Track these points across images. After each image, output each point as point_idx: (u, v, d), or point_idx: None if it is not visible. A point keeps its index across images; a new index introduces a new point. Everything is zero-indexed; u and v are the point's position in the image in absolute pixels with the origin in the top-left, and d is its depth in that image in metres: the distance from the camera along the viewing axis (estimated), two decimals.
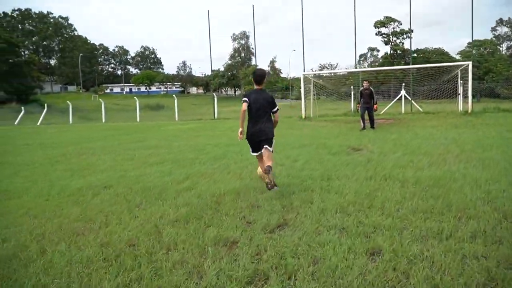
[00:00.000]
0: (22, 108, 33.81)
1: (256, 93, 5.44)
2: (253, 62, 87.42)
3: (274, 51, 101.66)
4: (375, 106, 13.86)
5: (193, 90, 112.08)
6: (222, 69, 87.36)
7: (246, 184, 5.87)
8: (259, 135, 5.36)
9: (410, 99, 23.14)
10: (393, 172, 6.25)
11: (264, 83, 5.52)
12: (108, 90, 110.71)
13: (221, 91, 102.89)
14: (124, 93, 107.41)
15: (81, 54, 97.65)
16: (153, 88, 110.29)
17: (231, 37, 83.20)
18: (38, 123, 31.18)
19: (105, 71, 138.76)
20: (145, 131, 17.84)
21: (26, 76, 62.41)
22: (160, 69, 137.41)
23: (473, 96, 19.43)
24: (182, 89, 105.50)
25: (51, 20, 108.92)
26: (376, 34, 71.96)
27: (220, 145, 10.82)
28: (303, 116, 20.89)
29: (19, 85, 60.72)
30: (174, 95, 30.53)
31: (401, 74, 29.69)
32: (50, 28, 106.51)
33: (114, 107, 53.79)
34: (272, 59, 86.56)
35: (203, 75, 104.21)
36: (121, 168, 7.88)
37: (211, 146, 10.70)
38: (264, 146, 5.35)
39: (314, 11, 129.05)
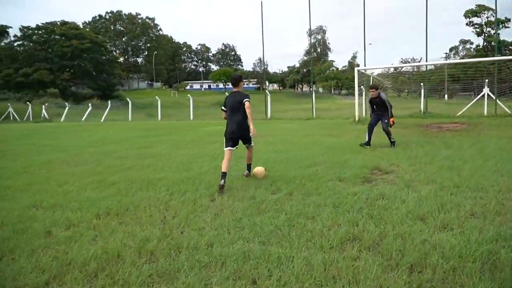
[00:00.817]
0: (107, 104, 34.75)
1: (230, 96, 6.21)
2: (329, 58, 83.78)
3: (354, 46, 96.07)
4: (391, 119, 10.04)
5: (271, 86, 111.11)
6: (297, 65, 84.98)
7: None
8: (235, 132, 6.06)
9: (494, 98, 18.79)
10: (400, 230, 3.70)
11: (239, 86, 6.24)
12: (188, 87, 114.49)
13: (297, 87, 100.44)
14: (202, 89, 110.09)
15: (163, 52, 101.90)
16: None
17: (307, 32, 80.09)
18: (102, 119, 31.85)
19: (188, 69, 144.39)
20: (174, 133, 16.42)
21: (110, 74, 65.99)
22: (239, 66, 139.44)
23: None
24: (258, 86, 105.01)
25: (139, 21, 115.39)
26: (467, 25, 63.83)
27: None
28: (356, 118, 17.88)
29: (102, 82, 64.48)
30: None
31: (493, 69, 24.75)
32: (138, 29, 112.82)
33: (187, 103, 54.07)
34: (353, 54, 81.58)
35: (280, 72, 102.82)
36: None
37: (207, 160, 8.65)
38: (246, 145, 6.41)
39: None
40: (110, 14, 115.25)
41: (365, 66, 23.17)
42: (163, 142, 12.60)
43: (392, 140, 10.06)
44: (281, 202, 5.00)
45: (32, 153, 10.99)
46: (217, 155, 8.95)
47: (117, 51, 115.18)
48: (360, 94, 19.98)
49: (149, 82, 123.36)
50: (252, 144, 6.46)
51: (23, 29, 63.68)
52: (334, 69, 76.18)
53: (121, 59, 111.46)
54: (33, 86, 56.18)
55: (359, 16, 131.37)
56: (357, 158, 8.05)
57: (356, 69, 18.71)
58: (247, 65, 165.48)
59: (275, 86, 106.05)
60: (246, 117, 5.97)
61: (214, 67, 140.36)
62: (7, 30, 66.03)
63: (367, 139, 10.10)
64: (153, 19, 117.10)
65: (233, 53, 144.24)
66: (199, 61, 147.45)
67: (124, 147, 11.78)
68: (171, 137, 14.23)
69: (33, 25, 63.04)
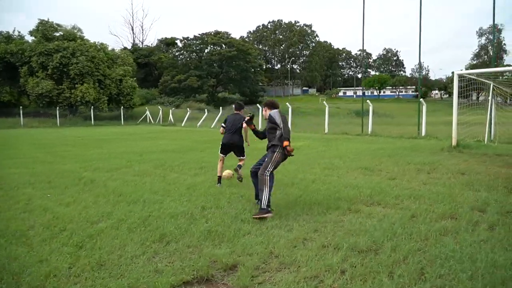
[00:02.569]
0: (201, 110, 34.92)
1: (232, 115, 7.22)
2: (506, 62, 68.67)
3: None
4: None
5: (433, 95, 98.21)
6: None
7: None
8: (228, 144, 7.08)
9: None
10: None
11: (241, 111, 7.25)
12: (341, 94, 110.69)
13: (467, 96, 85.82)
14: (355, 96, 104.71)
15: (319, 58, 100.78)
16: (387, 92, 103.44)
17: (477, 32, 67.34)
18: (212, 126, 31.71)
19: (345, 75, 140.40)
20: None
21: (254, 81, 67.82)
22: (401, 72, 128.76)
23: None
24: (417, 93, 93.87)
25: (297, 28, 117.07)
26: None
27: None
28: (453, 143, 12.19)
29: (245, 88, 66.71)
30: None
31: None
32: (295, 36, 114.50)
33: (335, 111, 50.12)
34: None
35: (445, 77, 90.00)
36: None
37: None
38: (239, 157, 7.23)
39: None
40: (271, 23, 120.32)
41: None
42: (184, 161, 10.33)
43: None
44: None
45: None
46: None
47: (275, 58, 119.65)
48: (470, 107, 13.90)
49: (304, 89, 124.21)
50: (245, 157, 7.25)
51: (183, 40, 70.75)
52: None
53: (268, 66, 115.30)
54: (185, 92, 61.46)
55: None
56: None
57: (455, 72, 12.86)
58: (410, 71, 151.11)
59: (437, 93, 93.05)
60: (239, 134, 7.08)
61: (374, 73, 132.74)
62: (175, 41, 74.63)
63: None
64: (310, 26, 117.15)
65: (395, 58, 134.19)
66: (358, 67, 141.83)
67: (115, 166, 9.95)
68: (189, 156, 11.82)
69: (192, 36, 69.42)
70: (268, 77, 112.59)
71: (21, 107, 36.93)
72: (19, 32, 60.75)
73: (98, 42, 43.51)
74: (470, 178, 7.35)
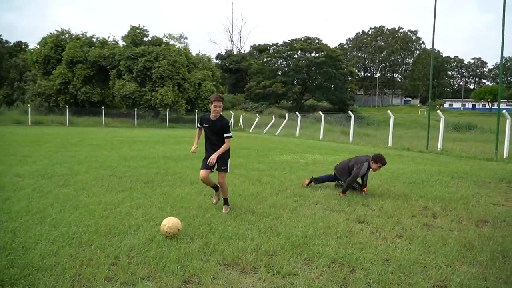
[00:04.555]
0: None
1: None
2: None
3: None
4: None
5: None
6: None
7: None
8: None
9: None
10: None
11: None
12: (447, 105, 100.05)
13: None
14: (462, 109, 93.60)
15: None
16: (503, 105, 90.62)
17: None
18: (277, 133, 30.01)
19: (456, 86, 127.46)
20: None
21: (342, 88, 64.40)
22: None
23: None
24: None
25: (400, 34, 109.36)
26: None
27: None
28: (505, 154, 8.61)
29: (333, 96, 63.58)
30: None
31: None
32: (398, 43, 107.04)
33: (432, 124, 44.55)
34: None
35: None
36: None
37: None
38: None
39: None
40: (372, 30, 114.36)
41: None
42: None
43: None
44: None
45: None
46: None
47: (374, 66, 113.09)
48: None
49: (406, 99, 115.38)
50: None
51: (272, 45, 70.26)
52: None
53: (367, 74, 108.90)
54: (269, 98, 60.60)
55: None
56: None
57: None
58: None
59: None
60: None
61: (489, 84, 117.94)
62: (268, 48, 74.55)
63: None
64: (415, 32, 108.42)
65: None
66: (471, 77, 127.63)
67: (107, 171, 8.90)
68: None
69: (281, 42, 68.53)
70: (366, 86, 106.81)
71: (103, 107, 39.36)
72: (114, 37, 66.45)
73: (181, 46, 44.70)
74: (488, 232, 4.47)
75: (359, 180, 6.56)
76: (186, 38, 68.89)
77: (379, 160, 6.28)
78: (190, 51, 45.61)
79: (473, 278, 3.23)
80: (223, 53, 75.33)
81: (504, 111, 14.52)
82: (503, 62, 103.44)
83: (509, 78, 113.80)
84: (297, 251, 3.72)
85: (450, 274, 3.28)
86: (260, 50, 75.35)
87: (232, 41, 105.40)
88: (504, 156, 13.29)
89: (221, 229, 4.32)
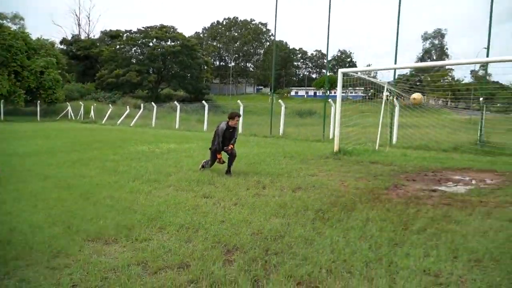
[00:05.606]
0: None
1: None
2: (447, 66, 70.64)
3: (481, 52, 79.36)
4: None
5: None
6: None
7: None
8: None
9: None
10: None
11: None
12: (293, 93, 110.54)
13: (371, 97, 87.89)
14: (305, 96, 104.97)
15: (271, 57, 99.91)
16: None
17: (422, 36, 68.73)
18: (132, 124, 29.41)
19: (301, 75, 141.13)
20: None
21: (197, 77, 65.61)
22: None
23: None
24: (364, 94, 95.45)
25: (252, 26, 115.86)
26: None
27: None
28: (335, 149, 11.03)
29: (188, 85, 64.43)
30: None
31: None
32: (251, 34, 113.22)
33: (279, 110, 48.99)
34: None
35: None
36: None
37: None
38: None
39: None
40: (227, 20, 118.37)
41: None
42: None
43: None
44: None
45: None
46: None
47: (229, 55, 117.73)
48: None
49: (258, 88, 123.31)
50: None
51: (125, 32, 67.40)
52: (450, 78, 63.50)
53: (222, 63, 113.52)
54: (123, 87, 58.26)
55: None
56: None
57: (340, 71, 11.87)
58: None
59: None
60: None
61: (328, 74, 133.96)
62: (120, 34, 70.82)
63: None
64: (265, 25, 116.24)
65: (349, 59, 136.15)
66: (314, 67, 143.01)
67: None
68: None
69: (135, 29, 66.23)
70: (221, 75, 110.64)
71: None
72: None
73: (17, 28, 39.81)
74: (299, 195, 5.99)
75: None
76: (22, 19, 60.99)
77: (232, 115, 7.72)
78: (30, 35, 40.88)
79: (281, 225, 4.55)
80: (69, 38, 69.19)
81: (330, 99, 17.54)
82: (338, 53, 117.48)
83: (336, 69, 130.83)
84: (151, 223, 4.55)
85: (265, 224, 4.54)
86: (112, 36, 71.40)
87: (79, 25, 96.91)
88: (330, 137, 16.19)
89: (82, 214, 4.85)
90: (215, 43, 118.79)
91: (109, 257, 3.59)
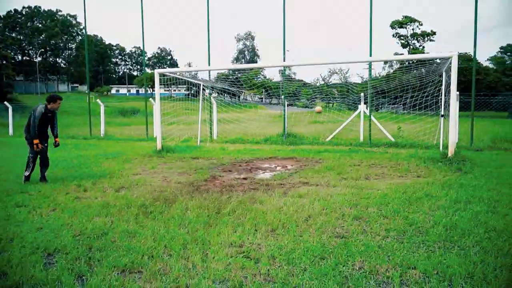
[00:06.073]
0: None
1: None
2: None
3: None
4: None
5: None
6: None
7: None
8: None
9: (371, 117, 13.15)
10: None
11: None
12: (113, 91, 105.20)
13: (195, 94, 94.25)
14: (127, 94, 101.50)
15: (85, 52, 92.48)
16: (162, 91, 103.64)
17: (235, 37, 74.33)
18: None
19: (120, 72, 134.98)
20: None
21: None
22: None
23: None
24: (188, 92, 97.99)
25: (60, 18, 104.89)
26: (393, 36, 60.42)
27: None
28: (158, 146, 11.44)
29: None
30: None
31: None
32: (58, 26, 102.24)
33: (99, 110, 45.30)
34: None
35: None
36: None
37: None
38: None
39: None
40: (27, 10, 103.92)
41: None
42: None
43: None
44: None
45: None
46: None
47: (33, 49, 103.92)
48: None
49: (74, 85, 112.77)
50: None
51: None
52: (262, 77, 70.91)
53: (26, 58, 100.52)
54: None
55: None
56: None
57: (156, 71, 12.48)
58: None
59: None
60: None
61: (150, 71, 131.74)
62: None
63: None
64: (74, 17, 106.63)
65: (169, 57, 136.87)
66: (134, 64, 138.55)
67: None
68: None
69: None
70: (25, 71, 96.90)
71: None
72: None
73: None
74: (122, 194, 6.17)
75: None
76: None
77: (54, 98, 7.18)
78: None
79: (104, 223, 4.72)
80: None
81: (151, 98, 17.71)
82: (158, 51, 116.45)
83: (166, 66, 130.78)
84: None
85: (88, 225, 4.64)
86: None
87: None
88: (154, 136, 16.40)
89: None
90: (14, 35, 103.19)
91: None
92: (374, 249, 3.81)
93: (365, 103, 13.37)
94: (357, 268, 3.42)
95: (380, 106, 28.95)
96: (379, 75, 47.82)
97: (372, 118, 13.34)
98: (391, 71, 54.38)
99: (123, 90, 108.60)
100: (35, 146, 7.04)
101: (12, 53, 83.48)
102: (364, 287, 3.09)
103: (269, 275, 3.31)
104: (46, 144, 7.29)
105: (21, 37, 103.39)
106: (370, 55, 13.33)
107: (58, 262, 3.59)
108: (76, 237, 4.28)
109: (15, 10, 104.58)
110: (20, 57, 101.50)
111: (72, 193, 6.34)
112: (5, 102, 21.81)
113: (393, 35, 59.75)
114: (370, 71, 15.03)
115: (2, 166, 9.10)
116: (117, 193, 6.33)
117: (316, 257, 3.66)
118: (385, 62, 55.87)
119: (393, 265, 3.45)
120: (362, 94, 13.40)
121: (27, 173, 7.15)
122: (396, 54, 57.91)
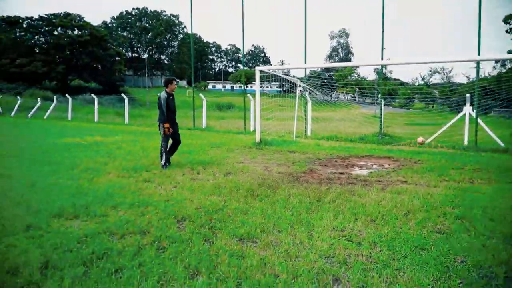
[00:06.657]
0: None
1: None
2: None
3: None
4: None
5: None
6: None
7: None
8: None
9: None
10: None
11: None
12: (210, 87, 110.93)
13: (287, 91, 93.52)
14: (223, 90, 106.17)
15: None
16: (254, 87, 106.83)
17: (329, 35, 73.57)
18: (45, 116, 27.66)
19: (216, 68, 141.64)
20: None
21: (110, 69, 62.93)
22: None
23: None
24: (280, 88, 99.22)
25: (164, 18, 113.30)
26: (507, 32, 54.37)
27: None
28: (257, 139, 12.14)
29: (101, 77, 61.60)
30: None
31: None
32: (162, 26, 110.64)
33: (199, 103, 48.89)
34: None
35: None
36: None
37: None
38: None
39: None
40: (136, 11, 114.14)
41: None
42: None
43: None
44: None
45: None
46: None
47: (141, 47, 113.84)
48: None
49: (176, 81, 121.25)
50: None
51: (26, 19, 62.05)
52: (356, 75, 69.22)
53: (135, 55, 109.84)
54: (27, 78, 53.84)
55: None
56: None
57: (257, 68, 13.09)
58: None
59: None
60: None
61: (242, 68, 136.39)
62: (20, 20, 64.70)
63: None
64: (177, 17, 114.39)
65: (262, 54, 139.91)
66: (229, 61, 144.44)
67: None
68: None
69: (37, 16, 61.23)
70: (134, 67, 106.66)
71: None
72: None
73: None
74: (231, 178, 6.87)
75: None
76: None
77: (168, 81, 7.89)
78: None
79: (218, 201, 5.38)
80: None
81: (248, 94, 18.65)
82: (252, 48, 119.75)
83: (259, 64, 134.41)
84: (104, 203, 5.09)
85: (205, 201, 5.34)
86: (10, 22, 65.05)
87: None
88: (251, 129, 17.30)
89: (36, 198, 5.20)
90: (125, 34, 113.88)
91: (76, 228, 4.13)
92: (477, 247, 3.85)
93: (471, 104, 12.61)
94: (459, 262, 3.53)
95: (489, 109, 26.77)
96: (489, 75, 43.71)
97: (479, 121, 12.55)
98: (503, 70, 49.37)
99: (218, 86, 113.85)
100: (166, 129, 7.66)
101: (123, 50, 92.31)
102: (466, 278, 3.21)
103: (371, 257, 3.60)
104: (176, 129, 7.95)
105: (131, 36, 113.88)
106: (478, 54, 12.50)
107: (187, 227, 4.28)
108: (197, 209, 4.99)
109: (126, 11, 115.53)
110: (130, 54, 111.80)
111: (187, 175, 7.20)
112: (122, 94, 24.56)
113: (506, 31, 53.93)
114: (478, 70, 14.02)
115: (126, 147, 10.49)
116: (225, 177, 7.04)
117: (417, 247, 3.84)
118: (497, 61, 50.93)
119: (497, 263, 3.49)
120: (468, 95, 12.64)
121: (163, 162, 7.78)
122: (510, 52, 52.37)
